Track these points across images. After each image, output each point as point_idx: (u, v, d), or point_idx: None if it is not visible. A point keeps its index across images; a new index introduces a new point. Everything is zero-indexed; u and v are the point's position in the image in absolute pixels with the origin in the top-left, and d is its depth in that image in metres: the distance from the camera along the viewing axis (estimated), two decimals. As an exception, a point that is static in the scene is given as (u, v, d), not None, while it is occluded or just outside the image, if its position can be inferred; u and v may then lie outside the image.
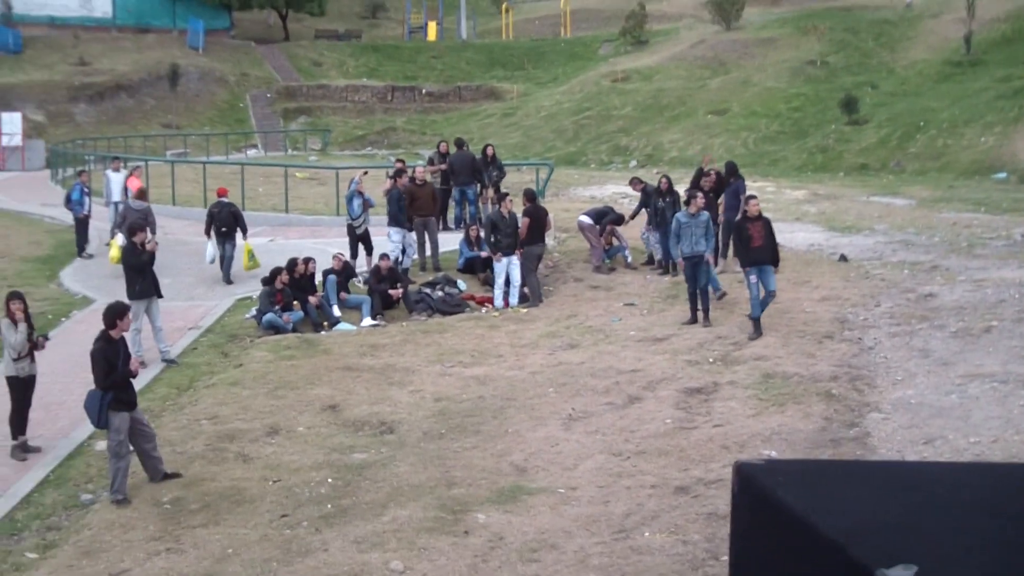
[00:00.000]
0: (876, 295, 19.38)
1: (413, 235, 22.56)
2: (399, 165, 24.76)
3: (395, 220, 22.15)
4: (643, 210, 23.13)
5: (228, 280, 22.59)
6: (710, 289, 18.70)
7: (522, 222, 20.66)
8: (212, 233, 22.85)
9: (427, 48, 79.32)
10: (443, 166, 25.86)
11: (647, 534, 10.11)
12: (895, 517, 2.18)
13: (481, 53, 77.12)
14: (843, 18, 58.60)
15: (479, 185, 25.89)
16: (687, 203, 19.10)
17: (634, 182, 23.92)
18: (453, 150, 26.35)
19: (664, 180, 22.35)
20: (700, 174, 22.53)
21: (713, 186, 21.61)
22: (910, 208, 30.30)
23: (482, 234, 22.03)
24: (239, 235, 22.92)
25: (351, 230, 22.51)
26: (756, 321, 17.09)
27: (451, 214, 26.39)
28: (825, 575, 2.11)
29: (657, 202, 22.06)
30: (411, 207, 22.22)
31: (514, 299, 20.31)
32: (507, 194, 21.63)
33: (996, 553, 2.03)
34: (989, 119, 41.31)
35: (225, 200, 23.33)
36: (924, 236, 24.98)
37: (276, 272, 19.46)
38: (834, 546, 2.09)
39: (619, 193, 25.70)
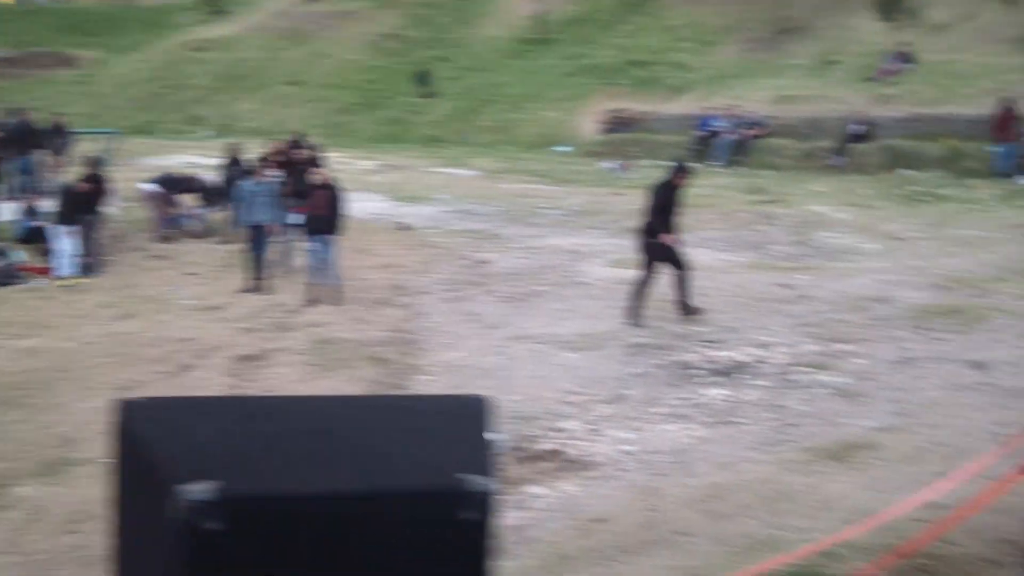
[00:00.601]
0: (433, 262, 20.16)
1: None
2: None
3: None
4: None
5: None
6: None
7: (84, 188, 20.27)
8: None
9: (1, 11, 75.45)
10: (-1, 134, 25.00)
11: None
12: (226, 444, 2.40)
13: (59, 18, 73.97)
14: (422, -8, 59.56)
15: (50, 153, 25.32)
16: (256, 172, 19.41)
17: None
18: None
19: (232, 150, 22.53)
20: (292, 146, 22.78)
21: (301, 159, 21.83)
22: (475, 179, 31.47)
23: (39, 204, 21.51)
24: None
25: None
26: (312, 288, 17.50)
27: (12, 183, 25.46)
28: (147, 501, 2.35)
29: (230, 174, 22.19)
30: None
31: (73, 269, 19.89)
32: (93, 167, 21.15)
33: (297, 470, 2.33)
34: (555, 94, 43.29)
35: None
36: (485, 206, 26.06)
37: None
38: (152, 470, 2.33)
39: (190, 164, 25.54)
